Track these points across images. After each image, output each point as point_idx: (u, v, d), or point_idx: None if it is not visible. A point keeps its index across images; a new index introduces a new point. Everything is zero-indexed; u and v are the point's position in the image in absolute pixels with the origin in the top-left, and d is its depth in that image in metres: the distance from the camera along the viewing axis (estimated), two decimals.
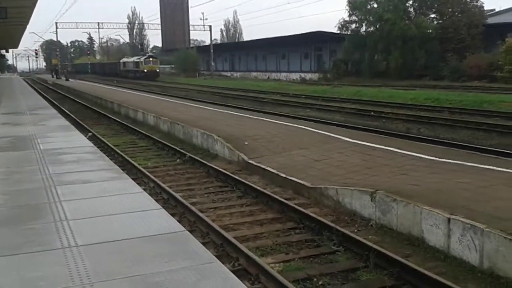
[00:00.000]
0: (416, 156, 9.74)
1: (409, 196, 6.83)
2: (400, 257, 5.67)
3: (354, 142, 11.62)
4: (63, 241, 4.43)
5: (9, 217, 5.23)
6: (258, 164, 10.38)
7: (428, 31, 42.89)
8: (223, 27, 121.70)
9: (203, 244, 4.87)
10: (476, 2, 43.18)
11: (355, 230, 6.87)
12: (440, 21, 44.27)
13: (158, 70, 67.50)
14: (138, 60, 68.70)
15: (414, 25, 42.20)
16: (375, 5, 46.25)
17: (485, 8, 44.67)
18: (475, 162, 8.94)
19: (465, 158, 9.36)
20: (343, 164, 9.69)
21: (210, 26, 77.45)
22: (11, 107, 20.05)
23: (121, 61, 78.39)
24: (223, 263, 4.43)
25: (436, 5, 44.40)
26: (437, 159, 9.36)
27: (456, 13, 42.73)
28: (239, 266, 5.70)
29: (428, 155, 9.68)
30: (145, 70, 64.86)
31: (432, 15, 46.07)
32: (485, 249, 5.42)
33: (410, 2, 45.83)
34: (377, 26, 45.18)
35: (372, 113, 20.87)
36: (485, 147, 12.19)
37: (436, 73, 39.30)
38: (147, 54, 73.93)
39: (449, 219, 5.91)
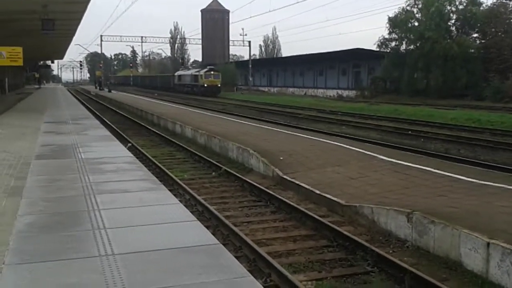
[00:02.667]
0: (455, 177, 9.53)
1: (447, 218, 6.68)
2: (436, 280, 5.55)
3: (391, 161, 11.46)
4: (100, 249, 4.53)
5: (49, 223, 5.38)
6: (293, 180, 10.36)
7: (470, 50, 42.15)
8: (262, 43, 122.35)
9: (236, 258, 4.89)
10: None
11: (390, 251, 6.76)
12: (483, 41, 43.46)
13: (219, 85, 59.81)
14: (197, 73, 61.79)
15: (456, 44, 41.54)
16: (416, 23, 45.78)
17: None
18: None
19: (506, 181, 9.09)
20: (379, 183, 9.57)
21: (249, 42, 78.56)
22: (55, 116, 20.70)
23: (176, 74, 72.73)
24: (255, 278, 4.44)
25: (478, 25, 43.62)
26: (477, 181, 9.13)
27: (500, 33, 41.89)
28: (271, 282, 5.69)
29: (467, 177, 9.45)
30: (205, 85, 58.04)
31: (475, 35, 45.30)
32: None
33: (452, 21, 45.20)
34: (418, 44, 44.67)
35: (410, 132, 20.56)
36: None
37: (477, 93, 38.49)
38: (208, 67, 64.07)
39: (488, 243, 5.75)
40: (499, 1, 43.86)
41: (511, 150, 15.67)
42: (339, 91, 56.13)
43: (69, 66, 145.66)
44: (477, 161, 13.37)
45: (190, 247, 4.60)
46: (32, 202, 6.22)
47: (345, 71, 59.45)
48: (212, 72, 60.05)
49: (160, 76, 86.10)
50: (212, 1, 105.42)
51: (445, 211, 7.07)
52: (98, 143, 12.40)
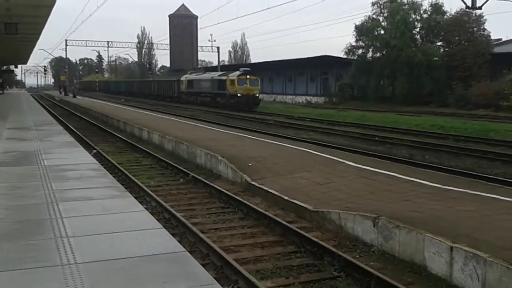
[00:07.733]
0: (420, 182, 9.69)
1: (411, 223, 6.78)
2: (401, 284, 5.61)
3: (358, 167, 11.59)
4: (62, 258, 4.42)
5: (10, 232, 5.23)
6: (261, 186, 10.36)
7: (435, 58, 43.13)
8: (231, 49, 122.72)
9: (203, 265, 4.85)
10: (483, 31, 43.44)
11: (357, 256, 6.81)
12: (447, 49, 44.52)
13: (258, 95, 43.23)
14: (223, 78, 43.93)
15: (420, 52, 42.45)
16: (382, 32, 46.61)
17: (492, 38, 44.87)
18: (479, 190, 8.89)
19: (469, 186, 9.30)
20: (346, 188, 9.65)
21: (218, 48, 78.39)
22: (17, 122, 20.18)
23: (184, 78, 53.34)
24: (222, 285, 4.40)
25: (443, 33, 44.71)
26: (441, 186, 9.31)
27: (463, 42, 42.96)
28: None
29: (431, 182, 9.62)
30: (238, 94, 41.05)
31: (439, 43, 46.37)
32: (488, 278, 5.35)
33: (417, 30, 46.20)
34: (384, 52, 45.50)
35: (376, 138, 20.86)
36: (489, 176, 12.12)
37: (442, 100, 39.39)
38: (242, 69, 44.34)
39: (451, 248, 5.85)
40: (462, 10, 45.02)
41: (474, 156, 16.06)
42: (308, 98, 56.61)
43: (33, 71, 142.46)
44: (441, 166, 13.63)
45: (155, 255, 4.53)
46: None
47: (313, 77, 60.02)
48: (248, 77, 42.14)
49: (157, 82, 66.76)
50: (180, 6, 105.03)
51: (410, 216, 7.17)
52: (62, 149, 12.13)
